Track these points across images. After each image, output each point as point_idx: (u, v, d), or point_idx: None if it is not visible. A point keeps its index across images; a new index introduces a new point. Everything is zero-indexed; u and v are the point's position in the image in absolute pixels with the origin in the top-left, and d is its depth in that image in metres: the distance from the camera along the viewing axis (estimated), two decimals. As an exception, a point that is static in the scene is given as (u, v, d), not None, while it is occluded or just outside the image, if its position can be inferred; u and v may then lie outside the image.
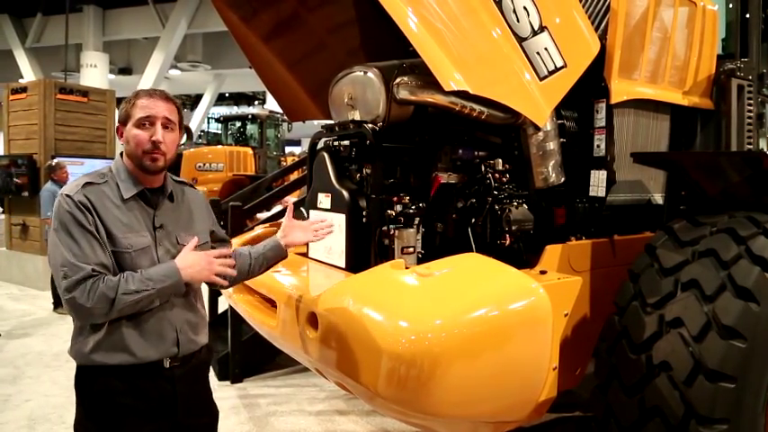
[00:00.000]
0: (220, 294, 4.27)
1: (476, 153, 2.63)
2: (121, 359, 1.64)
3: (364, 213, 2.56)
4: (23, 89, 7.92)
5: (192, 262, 1.66)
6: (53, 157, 7.05)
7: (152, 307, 1.65)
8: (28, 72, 19.42)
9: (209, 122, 18.36)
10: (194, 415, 1.81)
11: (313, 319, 2.10)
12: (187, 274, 1.64)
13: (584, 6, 2.78)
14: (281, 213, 5.40)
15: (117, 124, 1.75)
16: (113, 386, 1.65)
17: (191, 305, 1.81)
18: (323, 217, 2.76)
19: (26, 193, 7.52)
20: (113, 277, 1.58)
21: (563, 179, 2.58)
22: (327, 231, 2.22)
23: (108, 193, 1.68)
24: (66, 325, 5.77)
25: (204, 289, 1.90)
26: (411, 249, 2.46)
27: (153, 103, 1.68)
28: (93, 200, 1.63)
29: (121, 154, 1.77)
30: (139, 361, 1.66)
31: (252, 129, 14.30)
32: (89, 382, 1.68)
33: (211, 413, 1.93)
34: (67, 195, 1.63)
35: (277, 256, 2.10)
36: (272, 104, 17.84)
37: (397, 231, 2.45)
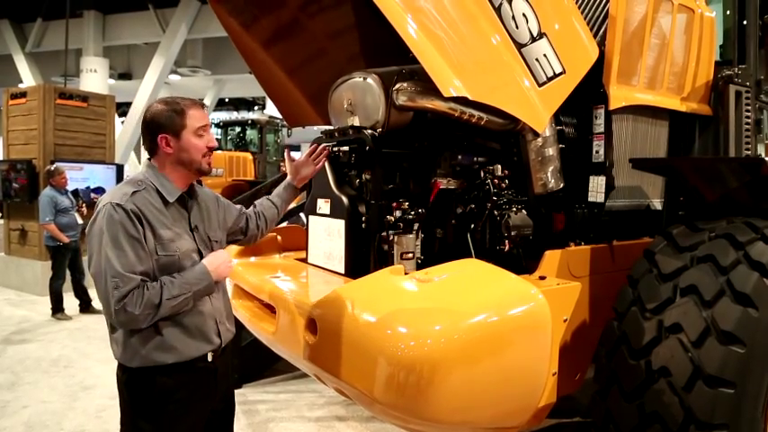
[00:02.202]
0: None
1: (475, 159, 2.64)
2: (173, 358, 1.74)
3: (363, 219, 2.56)
4: (23, 94, 7.92)
5: (217, 261, 1.80)
6: (52, 163, 7.05)
7: (188, 307, 1.75)
8: (28, 77, 19.43)
9: (208, 127, 18.35)
10: (223, 401, 1.98)
11: (312, 325, 2.10)
12: (216, 274, 1.78)
13: (582, 13, 2.80)
14: (282, 218, 5.39)
15: (161, 135, 1.77)
16: (166, 383, 1.75)
17: (223, 293, 1.95)
18: (322, 223, 2.77)
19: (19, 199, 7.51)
20: (155, 284, 1.68)
21: (562, 185, 2.59)
22: (324, 155, 2.40)
23: (151, 199, 1.76)
24: (64, 331, 5.76)
25: None
26: (410, 255, 2.47)
27: (203, 114, 1.84)
28: (141, 208, 1.71)
29: (149, 159, 1.85)
30: (188, 357, 1.77)
31: (251, 134, 14.33)
32: (143, 382, 1.76)
33: (232, 400, 2.10)
34: (118, 204, 1.68)
35: (293, 194, 2.38)
36: (271, 110, 17.90)
37: (396, 237, 2.45)
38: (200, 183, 2.05)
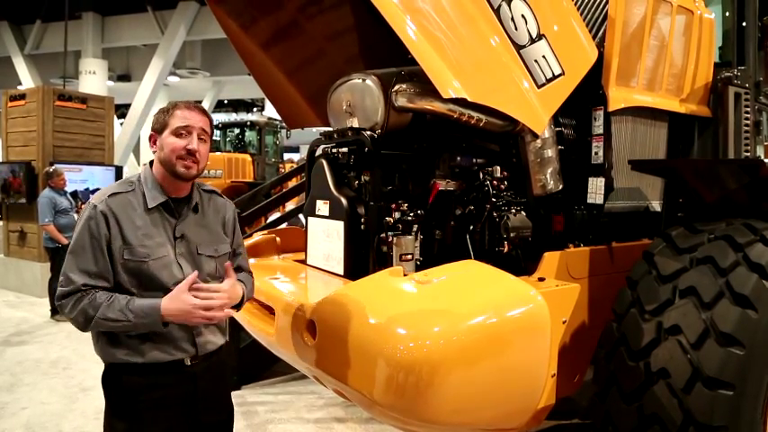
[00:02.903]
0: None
1: (474, 160, 2.64)
2: (136, 357, 1.71)
3: (363, 220, 2.56)
4: (22, 96, 7.92)
5: (176, 313, 1.64)
6: (51, 164, 7.04)
7: (134, 332, 1.68)
8: (27, 79, 19.44)
9: (207, 129, 18.36)
10: (214, 412, 1.89)
11: (311, 327, 2.10)
12: (168, 318, 1.65)
13: (581, 14, 2.80)
14: (281, 219, 5.40)
15: (150, 132, 1.81)
16: (136, 382, 1.72)
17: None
18: (321, 224, 2.77)
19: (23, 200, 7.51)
20: (102, 295, 1.64)
21: (561, 186, 2.59)
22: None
23: (133, 201, 1.74)
24: (63, 333, 5.75)
25: None
26: (409, 256, 2.46)
27: (191, 115, 1.76)
28: (115, 209, 1.70)
29: (151, 163, 1.82)
30: (158, 361, 1.72)
31: (250, 135, 14.32)
32: (114, 378, 1.75)
33: (229, 411, 1.99)
34: (94, 205, 1.70)
35: None
36: (270, 111, 17.88)
37: (395, 238, 2.45)
38: (219, 194, 1.97)
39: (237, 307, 1.87)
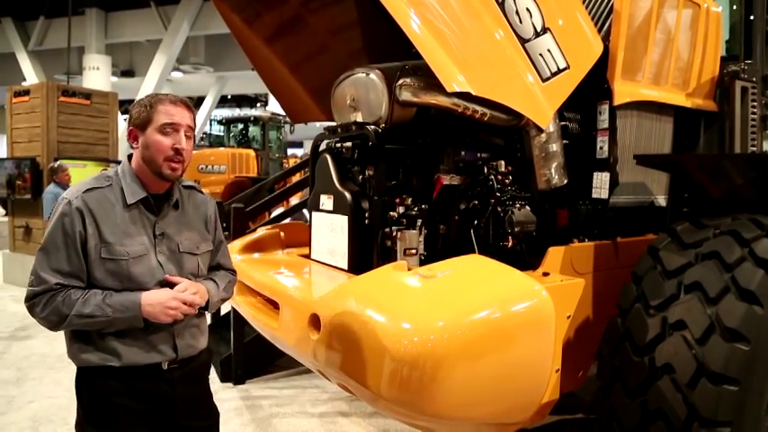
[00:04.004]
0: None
1: (478, 155, 2.63)
2: (113, 362, 1.63)
3: (366, 215, 2.55)
4: (26, 92, 7.95)
5: (155, 301, 1.61)
6: (56, 160, 7.07)
7: (110, 330, 1.61)
8: (31, 75, 19.47)
9: (211, 124, 18.42)
10: (194, 416, 1.81)
11: (315, 321, 2.10)
12: (146, 312, 1.60)
13: (587, 8, 2.78)
14: (285, 214, 5.41)
15: (130, 127, 1.69)
16: (111, 387, 1.65)
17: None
18: (325, 219, 2.77)
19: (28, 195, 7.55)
20: (76, 293, 1.58)
21: (566, 181, 2.58)
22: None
23: (110, 197, 1.65)
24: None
25: None
26: (413, 251, 2.46)
27: (177, 111, 1.66)
28: (92, 206, 1.61)
29: (129, 157, 1.73)
30: (133, 364, 1.64)
31: (254, 131, 14.33)
32: (87, 382, 1.68)
33: (211, 415, 1.93)
34: (68, 201, 1.62)
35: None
36: (274, 106, 17.89)
37: (399, 233, 2.45)
38: (199, 190, 1.91)
39: (205, 308, 1.80)
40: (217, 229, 1.93)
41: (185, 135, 1.68)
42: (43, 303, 1.58)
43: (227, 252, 2.04)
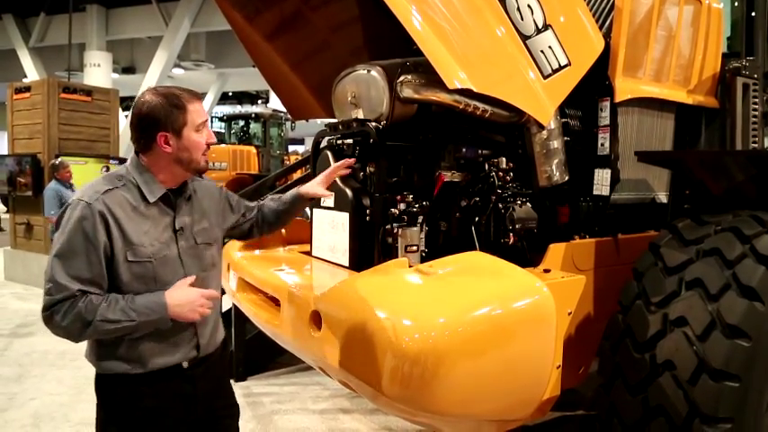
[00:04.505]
0: (224, 293, 4.29)
1: (479, 152, 2.63)
2: (137, 368, 1.62)
3: (368, 212, 2.55)
4: (27, 88, 7.95)
5: (183, 300, 1.58)
6: (57, 157, 7.07)
7: (136, 334, 1.58)
8: (32, 71, 19.46)
9: (212, 121, 18.42)
10: (215, 413, 1.83)
11: (316, 318, 2.11)
12: (175, 312, 1.57)
13: (588, 4, 2.78)
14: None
15: (160, 132, 1.60)
16: (133, 391, 1.64)
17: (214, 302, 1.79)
18: (327, 216, 2.77)
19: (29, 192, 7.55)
20: (97, 298, 1.51)
21: (567, 178, 2.58)
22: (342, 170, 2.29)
23: (128, 197, 1.60)
24: (70, 323, 5.80)
25: None
26: (414, 248, 2.46)
27: (201, 106, 1.68)
28: (113, 208, 1.55)
29: (137, 154, 1.68)
30: (155, 368, 1.63)
31: (255, 128, 14.34)
32: (109, 387, 1.66)
33: (232, 412, 1.95)
34: (87, 203, 1.54)
35: (301, 207, 2.25)
36: (275, 103, 17.85)
37: (400, 230, 2.45)
38: (200, 176, 1.90)
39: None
40: (230, 198, 1.98)
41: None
42: (63, 311, 1.48)
43: (243, 202, 2.10)
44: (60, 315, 1.49)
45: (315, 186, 2.22)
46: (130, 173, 1.65)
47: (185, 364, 1.71)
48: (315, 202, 2.87)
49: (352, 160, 2.34)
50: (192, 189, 1.79)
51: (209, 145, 1.68)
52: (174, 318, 1.58)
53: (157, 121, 1.59)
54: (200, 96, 1.71)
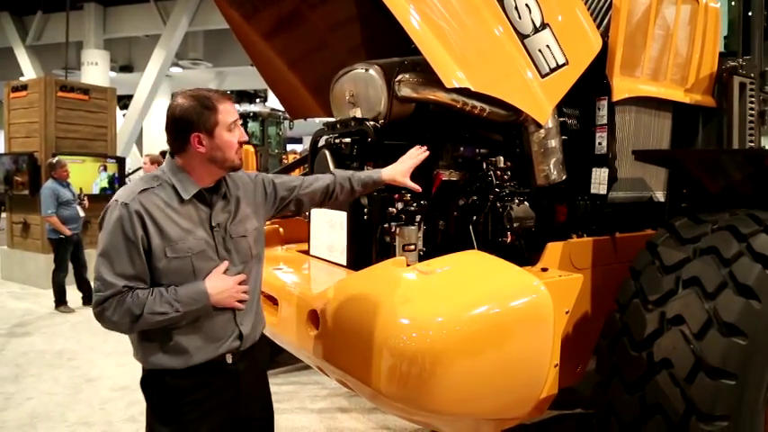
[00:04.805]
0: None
1: (477, 150, 2.63)
2: (182, 362, 1.66)
3: (365, 211, 2.56)
4: (24, 87, 7.92)
5: (222, 288, 1.67)
6: (54, 155, 7.05)
7: (182, 324, 1.65)
8: (29, 70, 19.39)
9: (210, 120, 18.33)
10: (254, 410, 1.87)
11: (314, 317, 2.11)
12: (215, 300, 1.65)
13: (586, 3, 2.78)
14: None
15: (194, 133, 1.64)
16: (179, 385, 1.68)
17: (254, 285, 1.82)
18: (325, 214, 2.77)
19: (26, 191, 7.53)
20: (143, 292, 1.59)
21: (564, 176, 2.58)
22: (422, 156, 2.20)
23: (164, 196, 1.66)
24: (67, 324, 5.78)
25: None
26: (412, 247, 2.47)
27: (232, 107, 1.71)
28: (149, 207, 1.61)
29: (171, 155, 1.72)
30: (200, 362, 1.67)
31: (253, 126, 14.29)
32: (156, 383, 1.70)
33: (269, 411, 1.97)
34: (124, 203, 1.60)
35: (372, 188, 2.19)
36: (273, 102, 17.84)
37: (398, 229, 2.45)
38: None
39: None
40: (265, 184, 1.96)
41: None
42: (113, 307, 1.57)
43: (286, 179, 2.06)
44: (110, 311, 1.57)
45: (399, 174, 2.13)
46: (166, 173, 1.70)
47: (229, 359, 1.74)
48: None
49: (424, 147, 2.23)
50: (228, 185, 1.81)
51: (241, 143, 1.72)
52: (215, 305, 1.66)
53: (190, 122, 1.64)
54: (230, 97, 1.75)
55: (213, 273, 1.68)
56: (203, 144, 1.66)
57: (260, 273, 1.89)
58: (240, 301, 1.73)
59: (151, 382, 1.72)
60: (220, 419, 1.75)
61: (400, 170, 2.14)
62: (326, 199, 2.09)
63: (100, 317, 1.60)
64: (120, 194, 1.65)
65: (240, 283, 1.73)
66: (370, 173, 2.16)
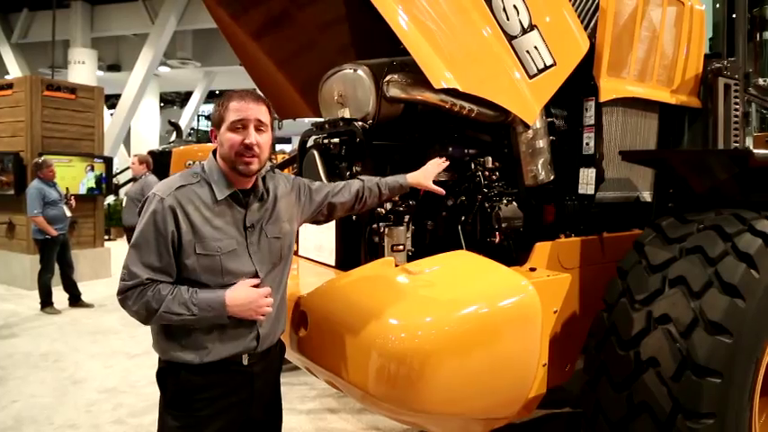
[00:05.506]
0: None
1: (466, 151, 2.64)
2: (199, 358, 1.67)
3: (354, 211, 2.55)
4: (9, 85, 7.82)
5: (243, 301, 1.66)
6: (40, 155, 6.97)
7: (198, 326, 1.65)
8: (14, 68, 19.15)
9: (198, 120, 18.30)
10: (265, 411, 1.87)
11: (303, 318, 2.10)
12: (232, 311, 1.65)
13: (573, 5, 2.80)
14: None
15: (211, 127, 1.75)
16: (194, 381, 1.69)
17: (277, 289, 1.81)
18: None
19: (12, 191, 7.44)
20: (165, 288, 1.61)
21: (552, 177, 2.60)
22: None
23: (200, 194, 1.68)
24: (53, 325, 5.72)
25: None
26: (401, 247, 2.47)
27: (245, 106, 1.67)
28: (183, 203, 1.64)
29: (214, 153, 1.74)
30: (217, 359, 1.68)
31: (242, 126, 14.21)
32: (171, 376, 1.71)
33: (278, 415, 1.97)
34: (160, 198, 1.63)
35: (399, 192, 2.22)
36: (262, 102, 17.70)
37: (386, 229, 2.45)
38: (272, 170, 1.91)
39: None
40: (301, 188, 1.96)
41: (257, 129, 1.68)
42: (135, 297, 1.60)
43: (319, 185, 2.07)
44: (132, 300, 1.61)
45: (423, 179, 2.18)
46: (206, 170, 1.73)
47: (245, 360, 1.74)
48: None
49: (443, 158, 2.32)
50: (266, 188, 1.81)
51: (246, 146, 1.66)
52: (231, 316, 1.65)
53: (213, 118, 1.73)
54: (252, 98, 1.71)
55: (240, 284, 1.67)
56: (216, 139, 1.72)
57: (286, 276, 1.88)
58: (266, 313, 1.72)
59: (166, 375, 1.73)
60: (231, 419, 1.75)
61: (424, 175, 2.19)
62: (357, 204, 2.10)
63: (122, 304, 1.65)
64: (159, 188, 1.68)
65: (266, 295, 1.71)
66: (396, 177, 2.18)
